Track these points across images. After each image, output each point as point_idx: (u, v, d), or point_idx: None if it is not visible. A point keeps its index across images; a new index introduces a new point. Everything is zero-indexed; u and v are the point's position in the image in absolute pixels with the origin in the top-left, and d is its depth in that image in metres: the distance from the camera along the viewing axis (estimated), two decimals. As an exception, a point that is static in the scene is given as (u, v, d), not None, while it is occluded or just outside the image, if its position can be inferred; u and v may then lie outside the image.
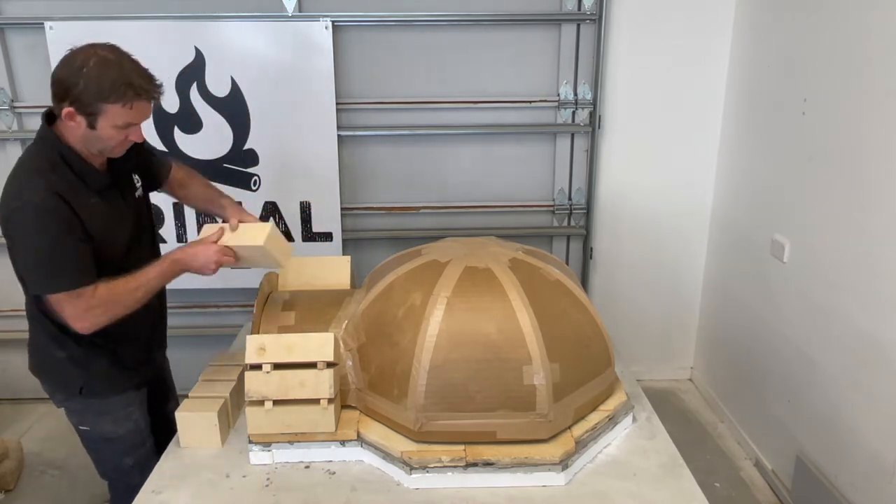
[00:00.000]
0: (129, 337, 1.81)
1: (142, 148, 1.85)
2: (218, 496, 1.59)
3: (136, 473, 1.81)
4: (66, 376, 1.80)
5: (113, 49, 1.60)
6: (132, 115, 1.60)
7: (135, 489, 1.68)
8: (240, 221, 1.85)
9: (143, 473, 1.72)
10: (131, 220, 1.80)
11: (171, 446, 1.78)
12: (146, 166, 1.91)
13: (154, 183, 1.96)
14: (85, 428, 1.86)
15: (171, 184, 2.01)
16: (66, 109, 1.55)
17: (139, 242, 1.83)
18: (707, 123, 3.20)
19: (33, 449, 3.04)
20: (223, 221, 1.90)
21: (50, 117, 1.65)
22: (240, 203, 2.05)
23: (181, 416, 1.76)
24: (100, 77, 1.53)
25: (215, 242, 1.75)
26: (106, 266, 1.66)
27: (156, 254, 1.93)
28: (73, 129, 1.59)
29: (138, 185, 1.86)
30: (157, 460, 1.77)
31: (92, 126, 1.57)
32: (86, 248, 1.61)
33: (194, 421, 1.76)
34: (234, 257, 1.77)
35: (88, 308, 1.60)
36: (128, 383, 1.86)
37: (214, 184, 2.10)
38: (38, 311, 1.77)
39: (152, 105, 1.67)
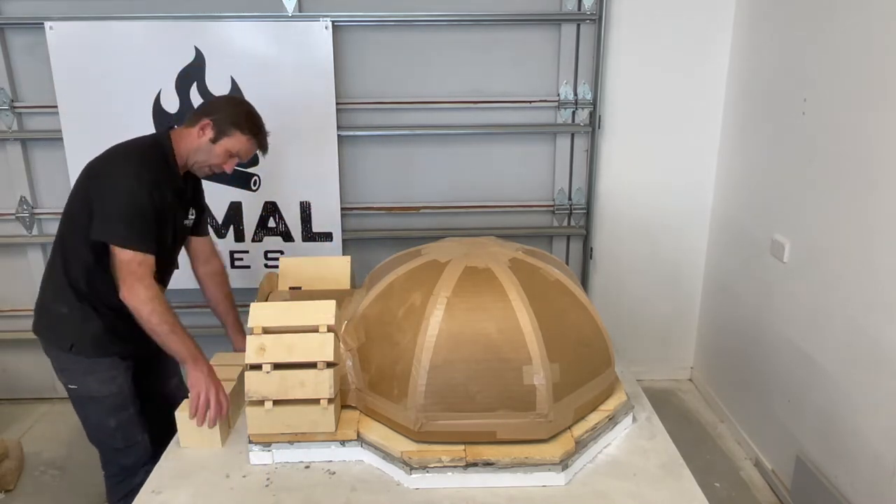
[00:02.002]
0: (122, 309, 1.87)
1: (202, 196, 2.22)
2: (218, 496, 1.59)
3: (119, 437, 2.04)
4: (61, 332, 1.98)
5: (255, 109, 2.06)
6: (244, 150, 2.01)
7: (119, 453, 2.05)
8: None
9: (126, 438, 2.04)
10: (171, 235, 2.03)
11: (171, 446, 1.78)
12: (199, 211, 2.20)
13: (194, 227, 2.20)
14: (73, 386, 2.03)
15: (199, 251, 2.26)
16: (206, 121, 1.95)
17: (165, 259, 2.02)
18: (707, 123, 3.20)
19: (33, 449, 3.04)
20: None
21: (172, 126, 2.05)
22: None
23: (181, 416, 1.76)
24: (245, 115, 1.99)
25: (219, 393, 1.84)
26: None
27: (166, 278, 2.12)
28: (196, 137, 1.96)
29: (191, 217, 2.14)
30: (144, 432, 2.05)
31: (214, 141, 1.96)
32: (154, 227, 1.88)
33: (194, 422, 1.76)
34: (222, 413, 1.81)
35: (142, 280, 1.81)
36: (114, 350, 2.01)
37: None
38: (58, 266, 1.97)
39: (255, 154, 2.07)
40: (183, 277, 2.29)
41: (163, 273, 2.03)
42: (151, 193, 1.86)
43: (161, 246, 1.93)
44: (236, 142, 1.97)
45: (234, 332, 2.29)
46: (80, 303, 1.95)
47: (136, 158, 1.90)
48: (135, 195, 1.83)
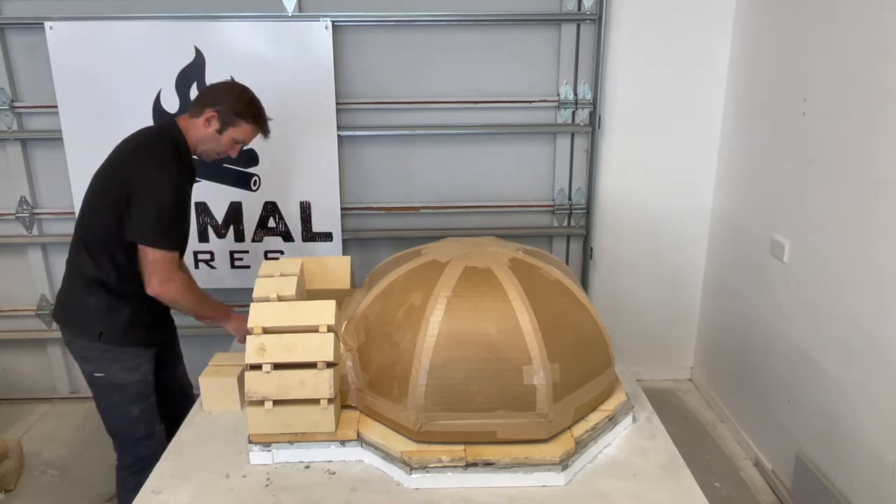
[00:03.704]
0: (148, 299, 2.02)
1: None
2: (218, 496, 1.59)
3: (141, 425, 2.12)
4: (89, 322, 2.05)
5: (254, 93, 2.12)
6: (248, 137, 2.10)
7: (138, 443, 2.12)
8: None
9: (147, 428, 2.12)
10: (188, 214, 2.14)
11: (171, 446, 1.79)
12: None
13: None
14: (100, 374, 2.08)
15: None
16: (211, 112, 2.02)
17: (185, 232, 2.16)
18: (707, 123, 3.20)
19: (33, 449, 3.04)
20: None
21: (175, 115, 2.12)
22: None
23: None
24: (248, 103, 2.06)
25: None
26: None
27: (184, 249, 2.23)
28: (202, 128, 2.03)
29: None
30: (160, 423, 2.15)
31: (220, 131, 2.04)
32: (184, 224, 2.06)
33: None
34: None
35: (171, 276, 1.96)
36: (140, 339, 2.10)
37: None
38: (87, 263, 2.03)
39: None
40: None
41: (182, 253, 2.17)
42: (181, 192, 1.99)
43: (185, 235, 2.11)
44: (241, 131, 2.06)
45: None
46: (109, 295, 2.03)
47: (174, 160, 1.99)
48: (168, 198, 1.93)
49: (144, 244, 1.93)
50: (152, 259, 1.93)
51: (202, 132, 2.04)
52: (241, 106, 2.04)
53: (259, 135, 2.13)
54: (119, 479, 2.21)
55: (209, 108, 2.02)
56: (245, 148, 2.19)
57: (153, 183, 1.93)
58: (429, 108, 3.13)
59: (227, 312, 2.13)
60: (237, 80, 2.90)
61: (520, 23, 3.05)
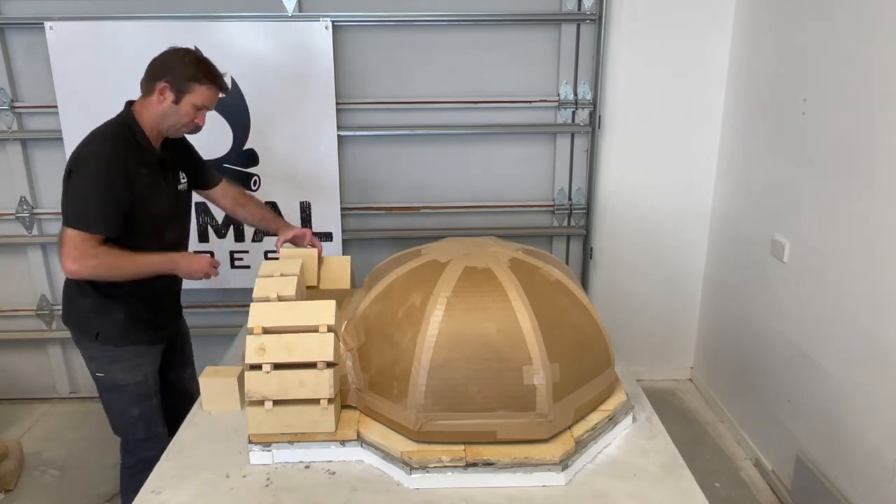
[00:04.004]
0: (142, 296, 2.03)
1: (192, 152, 2.22)
2: (218, 496, 1.59)
3: (142, 427, 2.11)
4: (86, 323, 2.03)
5: (200, 53, 2.03)
6: (209, 99, 1.97)
7: (140, 444, 2.11)
8: (286, 241, 2.24)
9: (148, 428, 2.11)
10: (168, 204, 2.06)
11: (171, 446, 1.79)
12: (195, 168, 2.21)
13: (201, 182, 2.25)
14: (100, 374, 2.07)
15: (225, 198, 2.31)
16: (161, 84, 1.91)
17: (171, 227, 2.10)
18: (707, 123, 3.21)
19: (33, 449, 3.04)
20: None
21: (129, 104, 2.03)
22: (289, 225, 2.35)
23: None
24: (196, 65, 1.94)
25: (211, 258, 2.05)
26: (138, 236, 1.95)
27: (183, 243, 2.20)
28: (158, 104, 1.93)
29: (183, 180, 2.13)
30: (163, 425, 2.13)
31: (177, 101, 1.93)
32: (119, 206, 1.88)
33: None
34: (217, 272, 2.06)
35: (85, 254, 1.82)
36: (140, 337, 2.07)
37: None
38: None
39: (218, 98, 2.04)
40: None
41: (178, 242, 2.15)
42: (119, 178, 1.86)
43: (157, 220, 2.00)
44: (198, 95, 1.95)
45: (283, 227, 2.32)
46: (99, 295, 2.00)
47: (106, 145, 1.89)
48: (93, 172, 1.84)
49: (66, 224, 1.83)
50: (67, 236, 1.82)
51: (159, 108, 1.94)
52: (189, 70, 1.92)
53: (220, 94, 2.02)
54: (121, 478, 2.21)
55: (158, 81, 1.92)
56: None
57: (81, 163, 1.86)
58: (429, 108, 3.13)
59: (168, 258, 1.99)
60: (237, 80, 2.96)
61: (520, 23, 3.05)
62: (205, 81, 1.94)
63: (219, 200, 2.31)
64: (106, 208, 1.85)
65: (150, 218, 1.98)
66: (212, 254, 3.16)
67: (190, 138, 2.20)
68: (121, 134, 1.93)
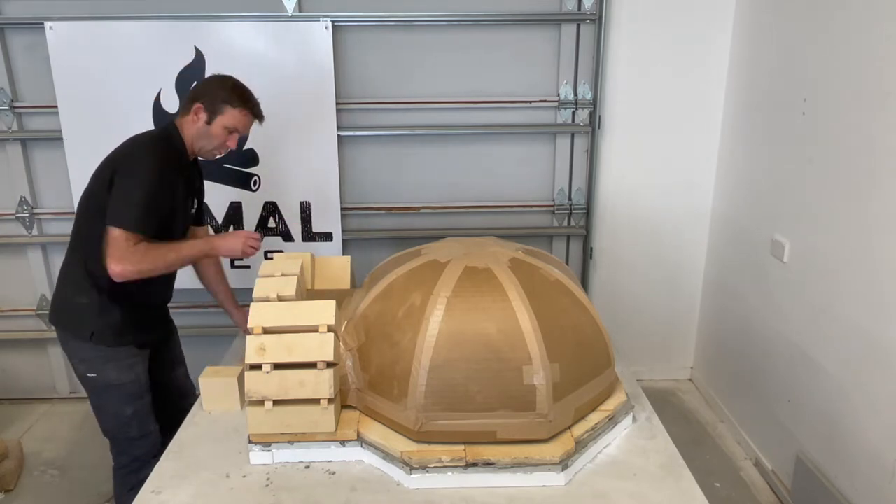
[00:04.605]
0: (141, 300, 2.06)
1: (202, 187, 2.29)
2: (218, 496, 1.59)
3: (134, 425, 2.11)
4: (81, 322, 2.04)
5: (241, 82, 2.10)
6: (241, 123, 2.05)
7: (133, 443, 2.11)
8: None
9: (141, 427, 2.11)
10: (183, 220, 2.13)
11: (171, 446, 1.79)
12: (199, 201, 2.26)
13: (196, 217, 2.27)
14: (92, 375, 2.07)
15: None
16: (197, 105, 2.01)
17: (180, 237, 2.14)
18: (707, 123, 3.20)
19: (33, 449, 3.04)
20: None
21: (174, 117, 2.11)
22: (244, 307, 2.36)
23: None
24: (232, 89, 2.04)
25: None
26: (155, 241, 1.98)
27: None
28: (193, 122, 2.02)
29: (194, 206, 2.20)
30: (155, 423, 2.13)
31: (209, 122, 2.01)
32: (159, 210, 1.95)
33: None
34: (258, 246, 2.09)
35: (129, 252, 1.87)
36: (133, 339, 2.08)
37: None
38: (78, 262, 2.03)
39: (252, 126, 2.11)
40: (184, 276, 2.29)
41: None
42: (163, 180, 1.94)
43: (171, 235, 2.04)
44: (230, 117, 2.02)
45: (232, 307, 2.41)
46: (99, 294, 2.01)
47: (156, 151, 1.97)
48: (150, 183, 1.90)
49: (110, 224, 1.87)
50: (112, 237, 1.86)
51: (193, 128, 2.03)
52: (224, 92, 2.01)
53: (255, 121, 2.09)
54: (116, 479, 2.21)
55: (195, 101, 2.02)
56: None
57: (132, 165, 1.92)
58: (429, 108, 3.13)
59: (205, 243, 2.06)
60: (237, 80, 2.95)
61: (520, 23, 3.05)
62: (237, 105, 2.01)
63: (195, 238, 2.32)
64: (149, 210, 1.91)
65: (170, 227, 2.04)
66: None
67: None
68: (166, 143, 2.01)
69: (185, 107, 2.05)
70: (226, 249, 2.06)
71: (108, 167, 1.96)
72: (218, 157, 2.14)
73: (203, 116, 2.01)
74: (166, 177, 1.96)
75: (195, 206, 2.21)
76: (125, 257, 1.86)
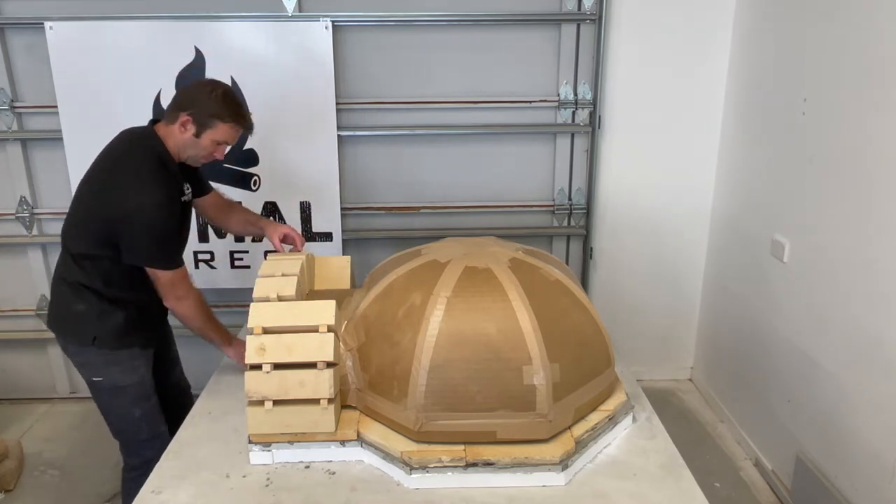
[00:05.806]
0: (140, 302, 2.05)
1: (196, 173, 2.20)
2: (218, 496, 1.59)
3: (144, 427, 2.11)
4: (82, 328, 2.02)
5: (230, 88, 2.03)
6: (230, 136, 1.99)
7: (143, 445, 2.09)
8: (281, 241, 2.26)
9: (150, 428, 2.11)
10: (181, 216, 2.09)
11: (171, 446, 1.79)
12: (196, 178, 2.20)
13: (198, 191, 2.23)
14: (98, 379, 2.06)
15: (213, 208, 2.32)
16: (185, 117, 1.92)
17: (179, 237, 2.10)
18: (707, 123, 3.20)
19: (33, 449, 3.04)
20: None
21: (151, 122, 2.03)
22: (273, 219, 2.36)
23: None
24: (223, 101, 1.94)
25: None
26: None
27: (182, 249, 2.16)
28: (180, 133, 1.94)
29: (188, 191, 2.13)
30: (164, 423, 2.13)
31: (198, 135, 1.95)
32: (175, 228, 1.98)
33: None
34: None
35: (188, 290, 1.99)
36: (135, 340, 2.08)
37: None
38: (72, 270, 2.01)
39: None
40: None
41: (179, 249, 2.14)
42: (169, 208, 1.93)
43: (183, 241, 2.08)
44: (220, 132, 1.96)
45: (265, 224, 2.35)
46: (99, 300, 2.00)
47: (149, 180, 1.90)
48: (158, 218, 1.89)
49: (150, 267, 1.94)
50: (164, 281, 1.95)
51: (180, 138, 1.96)
52: (214, 107, 1.93)
53: (242, 132, 2.05)
54: (124, 481, 2.20)
55: (183, 112, 1.93)
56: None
57: (139, 210, 1.86)
58: (429, 108, 3.13)
59: (230, 338, 2.13)
60: (237, 80, 2.96)
61: (520, 23, 3.05)
62: (228, 120, 1.95)
63: (207, 210, 2.32)
64: (170, 240, 1.97)
65: (180, 237, 2.08)
66: (212, 254, 3.16)
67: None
68: (159, 164, 1.94)
69: (172, 114, 1.96)
70: (235, 354, 2.11)
71: (104, 191, 1.91)
72: (205, 165, 2.11)
73: (191, 129, 1.94)
74: (171, 200, 1.95)
75: (188, 194, 2.14)
76: (184, 296, 1.98)
